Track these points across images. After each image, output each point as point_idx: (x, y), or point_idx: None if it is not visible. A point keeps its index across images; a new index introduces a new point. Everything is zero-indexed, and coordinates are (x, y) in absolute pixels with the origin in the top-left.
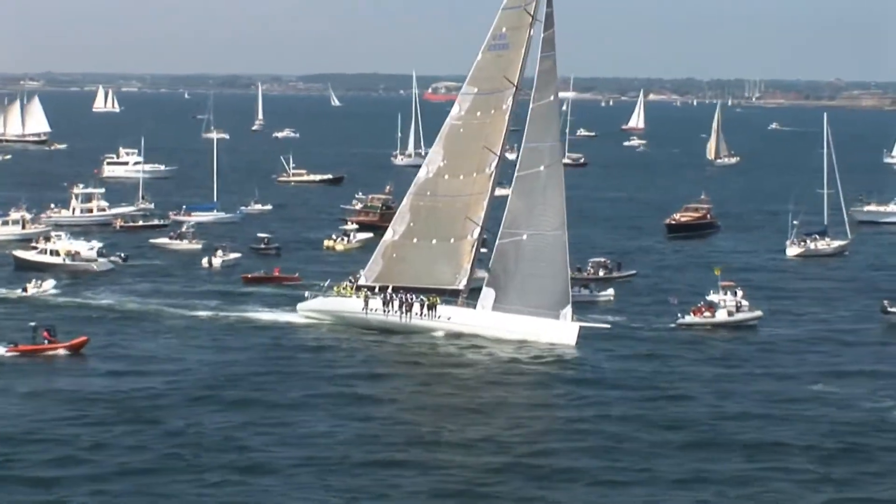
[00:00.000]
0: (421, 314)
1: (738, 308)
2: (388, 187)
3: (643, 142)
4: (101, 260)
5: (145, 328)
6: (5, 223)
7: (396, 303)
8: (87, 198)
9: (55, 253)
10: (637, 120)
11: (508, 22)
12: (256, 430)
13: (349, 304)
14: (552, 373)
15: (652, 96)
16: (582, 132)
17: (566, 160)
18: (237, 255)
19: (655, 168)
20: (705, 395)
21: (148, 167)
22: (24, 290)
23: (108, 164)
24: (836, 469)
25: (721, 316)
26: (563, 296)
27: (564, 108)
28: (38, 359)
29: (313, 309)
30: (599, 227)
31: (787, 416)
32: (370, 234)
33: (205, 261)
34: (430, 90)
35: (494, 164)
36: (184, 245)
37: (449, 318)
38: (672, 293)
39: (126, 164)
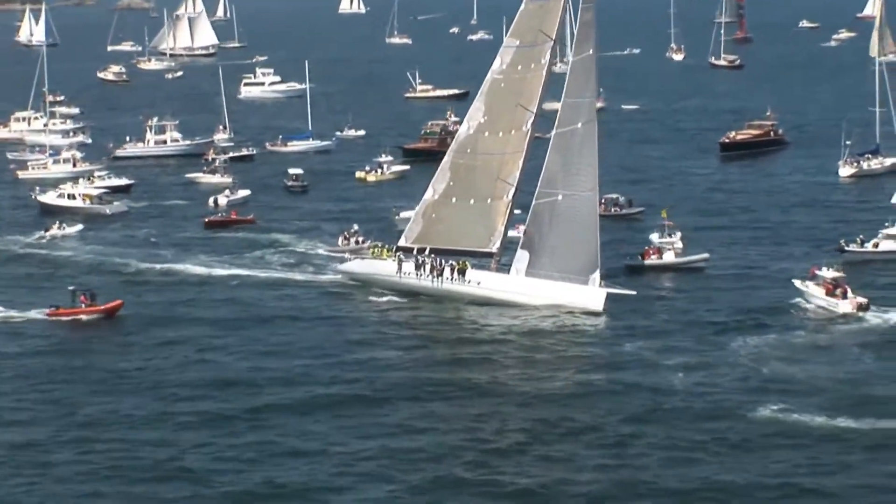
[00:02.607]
0: (452, 279)
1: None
2: (449, 112)
3: (852, 34)
4: (115, 203)
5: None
6: (56, 162)
7: (428, 266)
8: (161, 129)
9: (72, 197)
10: (873, 7)
11: None
12: None
13: (384, 267)
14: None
15: None
16: (805, 24)
17: (720, 61)
18: (246, 192)
19: (841, 71)
20: None
21: (283, 87)
22: (46, 230)
23: (245, 84)
24: None
25: (668, 258)
26: (593, 259)
27: None
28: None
29: (350, 271)
30: (658, 145)
31: None
32: (406, 167)
33: (211, 200)
34: None
35: (531, 121)
36: (215, 179)
37: (479, 284)
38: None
39: (262, 84)
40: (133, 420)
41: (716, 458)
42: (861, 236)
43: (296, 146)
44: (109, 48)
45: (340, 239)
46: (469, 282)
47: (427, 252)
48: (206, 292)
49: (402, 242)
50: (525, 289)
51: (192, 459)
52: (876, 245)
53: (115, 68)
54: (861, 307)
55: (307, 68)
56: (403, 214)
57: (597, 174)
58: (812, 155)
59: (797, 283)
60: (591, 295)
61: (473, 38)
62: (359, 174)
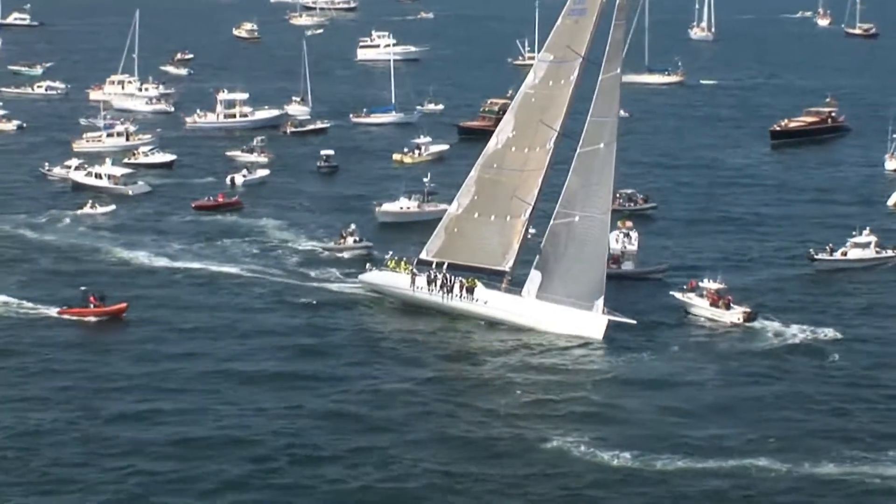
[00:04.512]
0: (460, 296)
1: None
2: (510, 91)
3: None
4: (140, 184)
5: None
6: (110, 135)
7: (439, 282)
8: (231, 104)
9: (99, 176)
10: None
11: None
12: None
13: (399, 280)
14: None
15: None
16: None
17: (855, 30)
18: (264, 172)
19: None
20: None
21: (399, 49)
22: (80, 207)
23: (361, 47)
24: None
25: (627, 267)
26: (599, 285)
27: None
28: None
29: (369, 282)
30: (712, 128)
31: None
32: (445, 146)
33: (228, 179)
34: None
35: (553, 139)
36: (251, 157)
37: (486, 303)
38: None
39: (377, 46)
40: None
41: None
42: (830, 244)
43: (379, 118)
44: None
45: (337, 238)
46: (477, 300)
47: (444, 266)
48: (151, 288)
49: (423, 255)
50: (528, 312)
51: None
52: (844, 253)
53: (248, 26)
54: (748, 317)
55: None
56: (385, 207)
57: (611, 197)
58: (870, 144)
59: (677, 294)
60: (593, 323)
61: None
62: (396, 156)
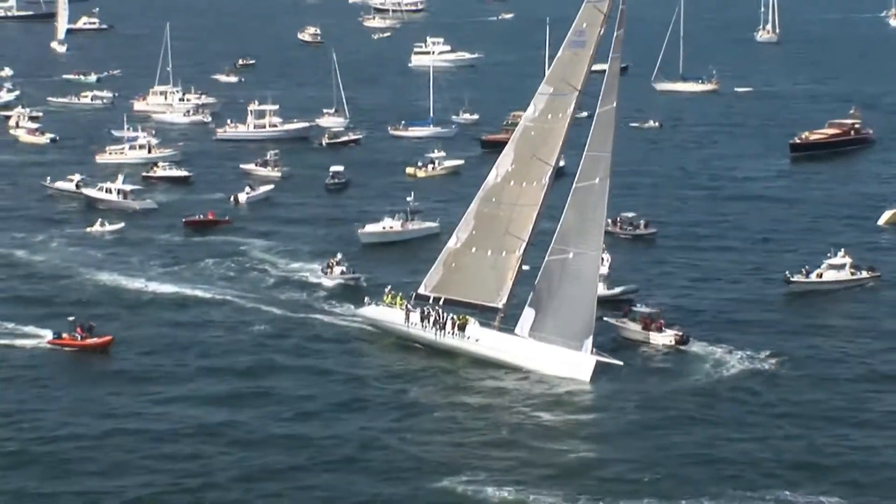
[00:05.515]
0: (452, 333)
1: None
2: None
3: None
4: (147, 200)
5: None
6: (132, 148)
7: (432, 318)
8: (261, 114)
9: (109, 191)
10: None
11: (589, 17)
12: None
13: (393, 316)
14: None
15: None
16: None
17: None
18: (267, 188)
19: None
20: None
21: (453, 56)
22: (90, 225)
23: (416, 53)
24: None
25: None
26: (588, 324)
27: None
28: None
29: (366, 316)
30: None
31: None
32: (460, 161)
33: (231, 198)
34: None
35: (549, 175)
36: (267, 171)
37: (477, 340)
38: None
39: (430, 52)
40: None
41: None
42: (806, 266)
43: (416, 132)
44: (350, 0)
45: (323, 267)
46: (468, 337)
47: (441, 302)
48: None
49: (421, 290)
50: (517, 351)
51: None
52: (820, 275)
53: (312, 29)
54: (679, 340)
55: None
56: (368, 228)
57: (602, 234)
58: (891, 158)
59: (611, 320)
60: (581, 364)
61: None
62: (409, 170)
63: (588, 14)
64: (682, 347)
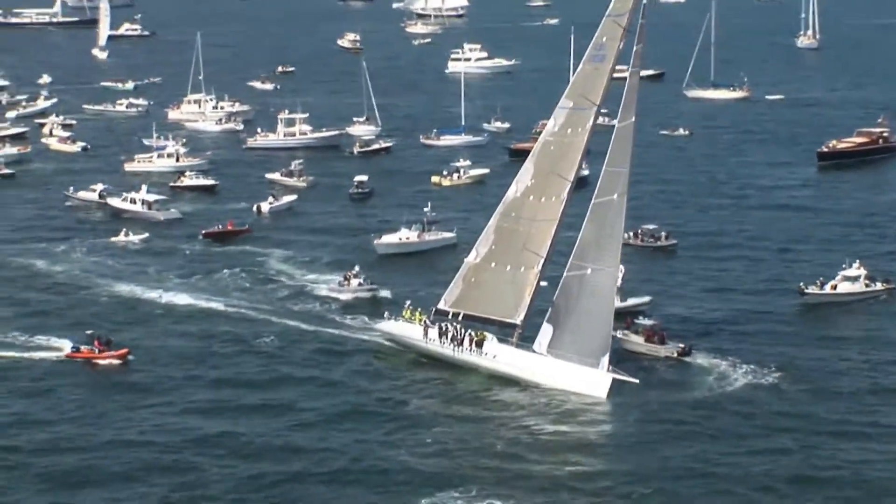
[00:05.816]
0: (470, 349)
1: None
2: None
3: None
4: (172, 210)
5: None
6: (161, 156)
7: (450, 334)
8: (291, 122)
9: (133, 201)
10: None
11: (608, 31)
12: None
13: (412, 331)
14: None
15: None
16: None
17: None
18: (291, 198)
19: None
20: None
21: (489, 63)
22: (115, 235)
23: (453, 59)
24: None
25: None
26: (606, 341)
27: None
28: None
29: (384, 331)
30: (764, 148)
31: None
32: (485, 170)
33: (254, 208)
34: None
35: (567, 190)
36: (292, 181)
37: (495, 357)
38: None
39: (468, 59)
40: None
41: None
42: (821, 278)
43: (448, 140)
44: (394, 6)
45: (340, 280)
46: (485, 354)
47: (460, 317)
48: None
49: (440, 305)
50: (534, 368)
51: None
52: (834, 287)
53: (351, 36)
54: (682, 352)
55: None
56: (384, 239)
57: (620, 250)
58: None
59: (615, 333)
60: (598, 381)
61: None
62: (434, 179)
63: (608, 28)
64: (686, 359)
